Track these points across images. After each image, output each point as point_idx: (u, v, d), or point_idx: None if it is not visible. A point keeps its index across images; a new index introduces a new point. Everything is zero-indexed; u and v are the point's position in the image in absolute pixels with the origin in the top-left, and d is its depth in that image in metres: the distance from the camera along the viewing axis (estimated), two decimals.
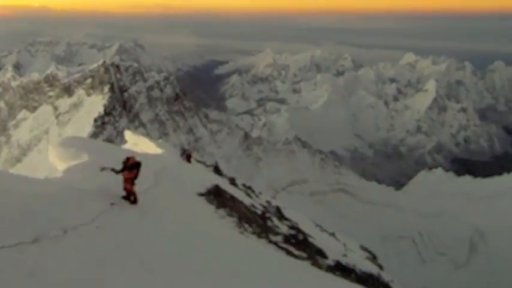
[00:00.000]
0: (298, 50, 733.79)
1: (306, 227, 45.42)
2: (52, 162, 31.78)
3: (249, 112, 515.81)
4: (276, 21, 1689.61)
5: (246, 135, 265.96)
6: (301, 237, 34.17)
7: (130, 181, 20.88)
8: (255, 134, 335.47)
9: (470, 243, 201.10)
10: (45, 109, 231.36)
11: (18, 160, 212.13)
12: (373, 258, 55.40)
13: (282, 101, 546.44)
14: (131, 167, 20.70)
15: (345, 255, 38.89)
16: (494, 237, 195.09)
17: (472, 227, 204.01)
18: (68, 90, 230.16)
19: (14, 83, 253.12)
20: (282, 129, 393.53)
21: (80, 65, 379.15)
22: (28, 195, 15.74)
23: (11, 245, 10.79)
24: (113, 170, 20.74)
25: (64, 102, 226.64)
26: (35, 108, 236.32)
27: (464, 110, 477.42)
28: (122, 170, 20.57)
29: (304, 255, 27.76)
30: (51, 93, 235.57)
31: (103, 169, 20.85)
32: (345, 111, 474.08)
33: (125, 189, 20.98)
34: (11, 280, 9.42)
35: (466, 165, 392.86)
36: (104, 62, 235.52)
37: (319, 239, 39.90)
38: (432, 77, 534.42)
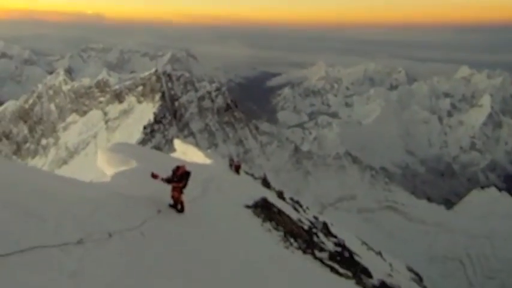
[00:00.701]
0: (352, 63, 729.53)
1: (353, 244, 45.22)
2: (100, 166, 32.01)
3: (300, 125, 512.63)
4: (329, 34, 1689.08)
5: (296, 149, 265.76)
6: (347, 254, 33.99)
7: (179, 190, 20.99)
8: (305, 147, 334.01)
9: None
10: (95, 114, 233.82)
11: (65, 162, 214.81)
12: (419, 280, 54.92)
13: (333, 115, 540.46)
14: (181, 176, 20.79)
15: (390, 275, 38.65)
16: None
17: None
18: (118, 97, 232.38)
19: (65, 87, 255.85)
20: (332, 143, 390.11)
21: (131, 72, 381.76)
22: (75, 197, 15.87)
23: (55, 245, 10.82)
24: (163, 180, 20.69)
25: (114, 108, 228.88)
26: (84, 113, 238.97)
27: None
28: (172, 180, 20.69)
29: (349, 273, 27.61)
30: (101, 99, 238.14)
31: (154, 176, 20.77)
32: (398, 126, 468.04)
33: (173, 197, 21.11)
34: (54, 279, 9.46)
35: None
36: (156, 71, 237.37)
37: (365, 258, 39.67)
38: (487, 91, 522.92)
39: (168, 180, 20.68)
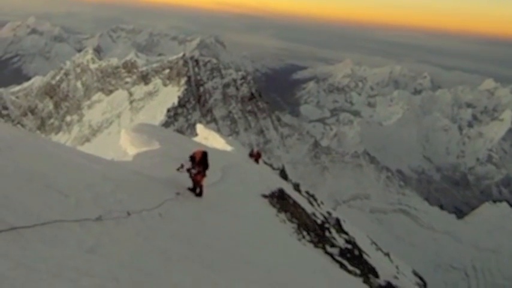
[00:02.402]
0: (378, 63, 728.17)
1: (362, 243, 45.31)
2: (123, 145, 32.26)
3: (322, 120, 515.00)
4: (360, 33, 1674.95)
5: (316, 143, 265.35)
6: (356, 252, 34.00)
7: (202, 174, 21.28)
8: (324, 143, 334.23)
9: None
10: (120, 94, 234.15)
11: (87, 140, 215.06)
12: (424, 285, 55.03)
13: (355, 113, 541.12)
14: (200, 160, 21.05)
15: (396, 277, 38.71)
16: None
17: None
18: (144, 78, 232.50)
19: (92, 66, 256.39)
20: (352, 141, 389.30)
21: (159, 55, 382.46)
22: (97, 174, 16.07)
23: (75, 220, 10.95)
24: (188, 170, 21.17)
25: (139, 89, 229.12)
26: (110, 92, 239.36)
27: None
28: (194, 168, 21.05)
29: (357, 271, 27.68)
30: (128, 79, 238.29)
31: (180, 168, 21.19)
32: (418, 131, 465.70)
33: (194, 180, 21.40)
34: (72, 253, 9.55)
35: None
36: (184, 55, 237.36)
37: (373, 257, 39.74)
38: (509, 106, 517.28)
39: (191, 171, 21.12)
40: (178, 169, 21.26)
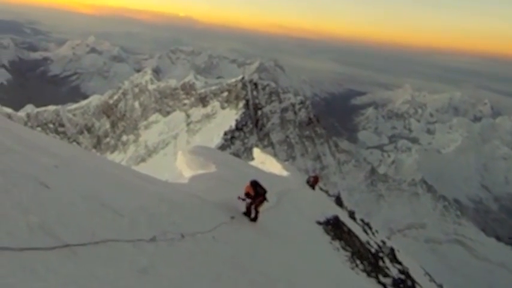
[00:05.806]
0: (438, 89, 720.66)
1: (416, 274, 44.83)
2: (179, 167, 32.39)
3: (380, 147, 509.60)
4: (419, 57, 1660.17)
5: (373, 170, 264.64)
6: (409, 283, 33.68)
7: (259, 203, 21.31)
8: (382, 170, 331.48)
9: None
10: (178, 115, 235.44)
11: (143, 160, 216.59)
12: None
13: (414, 140, 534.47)
14: (256, 193, 20.99)
15: None
16: None
17: None
18: (203, 101, 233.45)
19: (151, 86, 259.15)
20: (409, 169, 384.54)
21: (218, 77, 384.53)
22: (152, 195, 16.13)
23: (129, 240, 10.99)
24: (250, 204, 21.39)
25: (197, 112, 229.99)
26: (167, 113, 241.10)
27: None
28: (256, 197, 21.06)
29: None
30: (186, 101, 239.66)
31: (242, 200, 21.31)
32: (476, 159, 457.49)
33: (251, 205, 21.37)
34: (124, 273, 9.58)
35: None
36: (243, 78, 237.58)
37: None
38: None
39: (251, 206, 21.33)
40: (244, 199, 21.31)
